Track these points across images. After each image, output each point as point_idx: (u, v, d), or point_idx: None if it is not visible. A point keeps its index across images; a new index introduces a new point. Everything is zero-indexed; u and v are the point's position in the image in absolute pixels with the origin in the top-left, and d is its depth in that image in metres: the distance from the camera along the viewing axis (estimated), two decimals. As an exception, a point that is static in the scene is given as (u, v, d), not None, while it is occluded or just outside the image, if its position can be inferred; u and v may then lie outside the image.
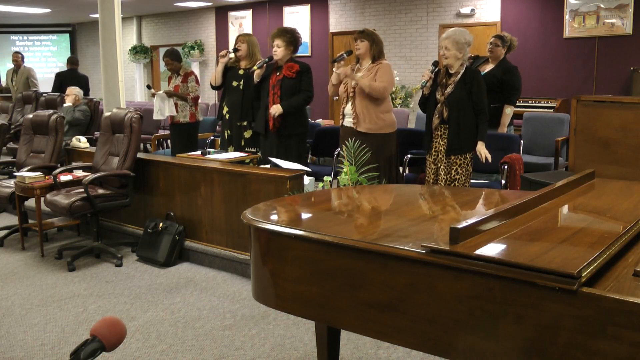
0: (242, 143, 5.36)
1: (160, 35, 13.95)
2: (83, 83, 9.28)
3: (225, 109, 5.42)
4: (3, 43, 15.20)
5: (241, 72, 5.37)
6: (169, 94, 6.09)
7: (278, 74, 5.02)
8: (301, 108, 5.01)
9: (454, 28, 4.43)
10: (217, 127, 7.11)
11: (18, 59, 9.87)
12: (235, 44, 5.43)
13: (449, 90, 4.30)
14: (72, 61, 9.87)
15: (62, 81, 9.28)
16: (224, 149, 5.42)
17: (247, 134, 5.35)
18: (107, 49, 5.76)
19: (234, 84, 5.37)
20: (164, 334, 3.31)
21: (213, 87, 5.62)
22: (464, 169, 4.34)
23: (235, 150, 5.30)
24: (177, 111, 6.10)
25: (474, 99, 4.28)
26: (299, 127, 5.01)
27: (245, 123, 5.33)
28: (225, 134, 5.47)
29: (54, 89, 9.37)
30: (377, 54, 4.71)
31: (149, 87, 6.72)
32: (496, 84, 5.34)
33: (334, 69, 4.82)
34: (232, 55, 5.39)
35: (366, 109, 4.63)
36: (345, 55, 4.78)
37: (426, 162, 4.57)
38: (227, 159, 4.79)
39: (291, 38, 5.05)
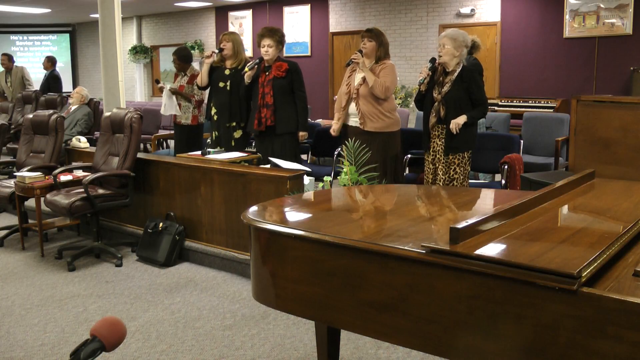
0: (233, 143, 5.35)
1: (160, 35, 13.95)
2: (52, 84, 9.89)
3: (214, 110, 5.43)
4: (3, 43, 15.20)
5: (227, 72, 5.37)
6: (174, 92, 6.08)
7: (267, 73, 5.02)
8: (306, 109, 5.14)
9: (453, 28, 4.44)
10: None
11: (5, 60, 9.83)
12: (220, 43, 5.42)
13: (445, 89, 4.29)
14: (52, 61, 10.25)
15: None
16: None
17: (237, 134, 5.36)
18: (107, 49, 5.76)
19: (221, 84, 5.37)
20: (164, 334, 3.31)
21: (199, 88, 5.70)
22: (462, 168, 4.34)
23: (225, 151, 5.30)
24: (180, 111, 6.10)
25: (473, 96, 4.28)
26: (293, 125, 5.02)
27: (234, 124, 5.34)
28: (213, 135, 5.49)
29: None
30: (382, 55, 4.72)
31: (157, 81, 6.72)
32: None
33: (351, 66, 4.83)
34: (216, 54, 5.40)
35: (371, 109, 4.63)
36: (354, 58, 4.73)
37: (424, 161, 4.57)
38: (227, 159, 4.79)
39: (280, 37, 5.06)
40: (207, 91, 5.69)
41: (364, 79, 4.65)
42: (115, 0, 5.64)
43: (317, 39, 10.95)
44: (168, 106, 6.08)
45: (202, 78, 5.49)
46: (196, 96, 6.10)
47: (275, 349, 3.11)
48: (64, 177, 4.78)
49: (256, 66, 5.07)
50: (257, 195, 4.05)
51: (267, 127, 5.00)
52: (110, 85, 5.81)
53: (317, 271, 1.84)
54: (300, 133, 5.08)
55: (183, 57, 6.25)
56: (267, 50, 4.98)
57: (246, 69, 5.06)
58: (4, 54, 10.00)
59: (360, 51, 4.72)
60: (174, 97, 6.07)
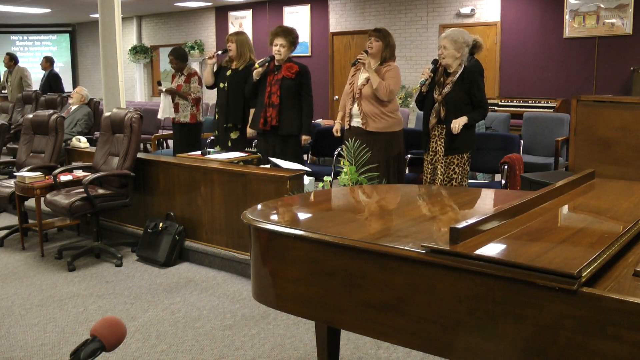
0: (229, 144, 5.37)
1: (160, 35, 13.95)
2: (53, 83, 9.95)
3: (216, 110, 5.47)
4: (3, 43, 15.20)
5: (228, 73, 5.38)
6: (170, 92, 6.09)
7: (276, 73, 5.02)
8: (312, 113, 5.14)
9: (454, 28, 4.42)
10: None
11: (6, 60, 9.82)
12: (226, 43, 5.45)
13: (446, 90, 4.29)
14: (50, 61, 10.26)
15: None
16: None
17: (234, 135, 5.37)
18: (107, 49, 5.76)
19: (221, 85, 5.42)
20: (164, 334, 3.31)
21: (207, 87, 5.75)
22: (461, 168, 4.33)
23: (223, 151, 5.31)
24: (178, 111, 6.10)
25: (474, 98, 4.27)
26: (296, 128, 5.02)
27: (230, 125, 5.34)
28: (215, 134, 5.54)
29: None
30: (388, 56, 4.71)
31: (159, 83, 6.73)
32: None
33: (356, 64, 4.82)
34: (219, 55, 5.42)
35: (374, 109, 4.63)
36: (360, 59, 4.72)
37: (424, 161, 4.57)
38: (227, 159, 4.79)
39: (294, 38, 5.06)
40: (210, 90, 5.72)
41: (367, 79, 4.65)
42: (115, 0, 5.64)
43: (317, 39, 10.95)
44: (166, 109, 6.09)
45: (206, 79, 5.52)
46: (192, 94, 6.10)
47: (275, 349, 3.11)
48: (64, 177, 4.78)
49: (266, 64, 5.06)
50: (257, 195, 4.05)
51: (271, 126, 5.01)
52: (110, 85, 5.80)
53: (317, 271, 1.84)
54: (303, 137, 5.06)
55: (180, 57, 6.26)
56: (280, 50, 4.97)
57: (256, 65, 5.05)
58: (6, 54, 10.01)
59: (367, 51, 4.72)
60: (169, 97, 6.08)
